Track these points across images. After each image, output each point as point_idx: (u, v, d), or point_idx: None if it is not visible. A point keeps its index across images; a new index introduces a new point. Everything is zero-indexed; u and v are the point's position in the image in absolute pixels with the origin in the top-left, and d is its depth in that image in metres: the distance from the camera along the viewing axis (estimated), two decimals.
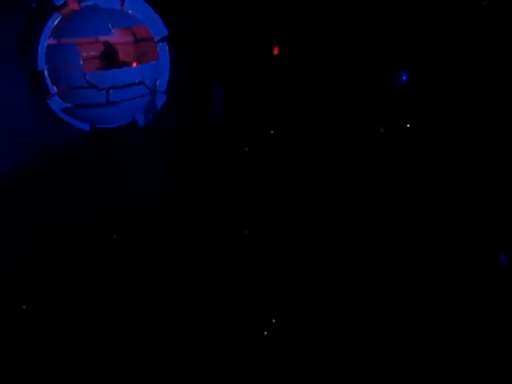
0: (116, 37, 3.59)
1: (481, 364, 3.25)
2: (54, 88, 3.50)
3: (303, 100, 3.67)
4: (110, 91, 3.53)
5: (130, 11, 3.56)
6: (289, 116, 3.68)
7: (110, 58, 3.62)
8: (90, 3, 3.48)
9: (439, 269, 3.50)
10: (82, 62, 3.48)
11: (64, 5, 3.44)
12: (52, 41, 3.47)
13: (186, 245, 3.59)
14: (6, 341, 3.32)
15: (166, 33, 3.62)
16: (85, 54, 3.53)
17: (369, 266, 3.53)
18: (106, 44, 3.61)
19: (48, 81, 3.49)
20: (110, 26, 3.49)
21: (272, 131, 3.68)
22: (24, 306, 3.39)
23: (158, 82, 3.66)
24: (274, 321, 3.39)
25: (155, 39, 3.62)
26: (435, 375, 3.25)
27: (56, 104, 3.52)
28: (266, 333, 3.40)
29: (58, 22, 3.46)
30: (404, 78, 3.34)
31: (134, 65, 3.66)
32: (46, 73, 3.47)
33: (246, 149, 3.67)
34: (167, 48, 3.64)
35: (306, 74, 3.67)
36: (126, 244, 3.58)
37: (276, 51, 3.65)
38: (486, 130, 3.55)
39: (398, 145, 3.65)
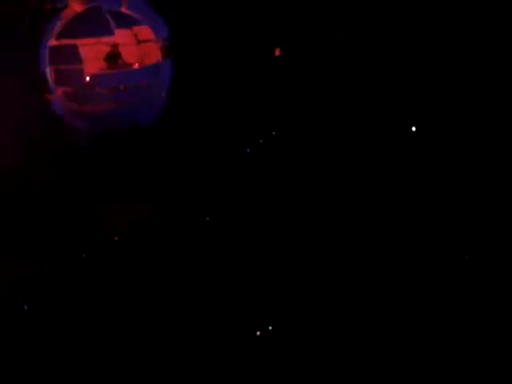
0: (118, 38, 3.61)
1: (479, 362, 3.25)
2: (56, 89, 3.52)
3: (305, 101, 3.67)
4: (112, 92, 3.54)
5: (132, 13, 3.58)
6: (290, 117, 3.68)
7: (112, 59, 3.63)
8: (92, 5, 3.50)
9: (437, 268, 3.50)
10: (84, 63, 3.50)
11: (66, 6, 3.47)
12: (54, 42, 3.49)
13: (186, 246, 3.59)
14: (7, 341, 3.32)
15: (167, 34, 3.63)
16: (87, 56, 3.55)
17: (368, 266, 3.53)
18: (109, 45, 3.62)
19: (50, 82, 3.51)
20: (112, 27, 3.51)
21: (273, 132, 3.68)
22: (25, 307, 3.40)
23: (159, 83, 3.68)
24: (270, 328, 3.40)
25: (157, 40, 3.64)
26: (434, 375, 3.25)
27: (58, 105, 3.54)
28: (258, 333, 3.40)
29: (61, 23, 3.48)
30: None
31: (136, 66, 3.67)
32: (48, 74, 3.49)
33: (248, 150, 3.67)
34: (169, 49, 3.65)
35: (308, 76, 3.67)
36: (126, 245, 3.58)
37: (278, 52, 3.65)
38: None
39: (400, 147, 3.64)
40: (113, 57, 3.61)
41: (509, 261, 3.46)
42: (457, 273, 3.50)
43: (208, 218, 3.60)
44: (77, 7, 3.45)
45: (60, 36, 3.48)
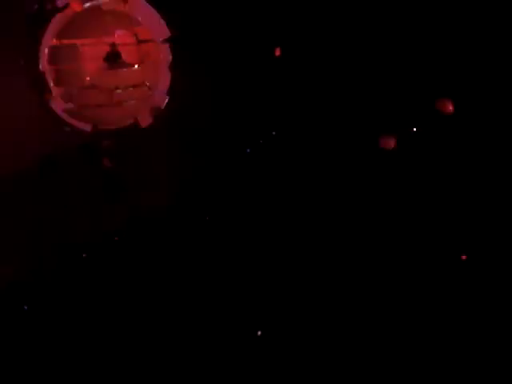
0: (119, 38, 3.61)
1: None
2: (57, 89, 3.52)
3: (305, 101, 3.67)
4: (113, 92, 3.54)
5: (132, 13, 3.58)
6: (290, 117, 3.68)
7: (112, 58, 3.63)
8: (92, 4, 3.50)
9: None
10: (84, 63, 3.51)
11: (67, 6, 3.47)
12: (55, 42, 3.49)
13: (187, 246, 3.59)
14: (7, 341, 3.32)
15: (167, 34, 3.63)
16: (87, 56, 3.55)
17: (368, 266, 3.53)
18: (109, 45, 3.62)
19: (50, 81, 3.51)
20: (112, 27, 3.52)
21: (274, 132, 3.68)
22: (26, 307, 3.40)
23: (160, 83, 3.68)
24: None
25: (157, 40, 3.64)
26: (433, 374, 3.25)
27: (58, 105, 3.54)
28: (259, 333, 3.40)
29: (61, 23, 3.48)
30: None
31: (137, 66, 3.67)
32: (48, 73, 3.49)
33: (248, 150, 3.67)
34: (169, 49, 3.65)
35: (308, 76, 3.67)
36: (127, 245, 3.58)
37: (278, 52, 3.65)
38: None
39: (400, 148, 3.64)
40: (113, 57, 3.61)
41: (509, 261, 3.47)
42: (456, 273, 3.50)
43: (208, 218, 3.61)
44: (77, 7, 3.46)
45: (60, 36, 3.48)
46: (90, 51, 3.55)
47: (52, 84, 3.51)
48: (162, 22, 3.59)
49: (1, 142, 3.50)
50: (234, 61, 3.65)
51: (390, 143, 3.28)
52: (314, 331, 3.40)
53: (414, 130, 3.61)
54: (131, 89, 3.59)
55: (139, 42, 3.66)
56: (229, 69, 3.66)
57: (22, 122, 3.49)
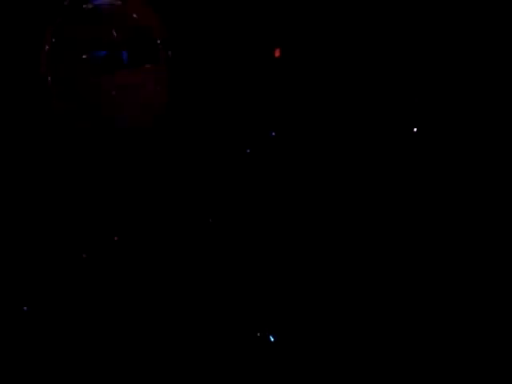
0: (118, 39, 3.60)
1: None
2: (56, 89, 3.52)
3: (305, 102, 3.67)
4: (112, 92, 3.54)
5: (131, 13, 3.57)
6: (290, 118, 3.68)
7: (112, 60, 3.62)
8: (92, 6, 3.49)
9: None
10: (84, 64, 3.50)
11: (66, 7, 3.47)
12: (54, 43, 3.49)
13: (186, 248, 3.59)
14: (7, 342, 3.33)
15: (167, 35, 3.62)
16: (87, 56, 3.55)
17: (369, 267, 3.53)
18: (109, 46, 3.61)
19: (50, 82, 3.51)
20: (112, 28, 3.51)
21: (273, 133, 3.68)
22: (25, 308, 3.40)
23: (159, 83, 3.67)
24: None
25: (157, 41, 3.63)
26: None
27: (58, 105, 3.54)
28: (258, 334, 3.40)
29: (60, 24, 3.48)
30: None
31: (137, 67, 3.66)
32: (47, 74, 3.49)
33: (248, 151, 3.67)
34: (169, 50, 3.64)
35: (308, 76, 3.67)
36: (126, 246, 3.58)
37: (277, 53, 3.65)
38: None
39: (401, 149, 3.64)
40: (113, 58, 3.60)
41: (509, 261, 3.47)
42: (456, 273, 3.50)
43: (210, 220, 3.61)
44: (77, 8, 3.46)
45: (60, 36, 3.48)
46: (90, 52, 3.54)
47: (51, 84, 3.51)
48: (162, 22, 3.59)
49: (0, 142, 3.51)
50: (234, 61, 3.65)
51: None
52: (313, 331, 3.41)
53: (415, 130, 3.61)
54: (131, 89, 3.58)
55: (139, 42, 3.65)
56: (228, 69, 3.66)
57: (21, 123, 3.50)
